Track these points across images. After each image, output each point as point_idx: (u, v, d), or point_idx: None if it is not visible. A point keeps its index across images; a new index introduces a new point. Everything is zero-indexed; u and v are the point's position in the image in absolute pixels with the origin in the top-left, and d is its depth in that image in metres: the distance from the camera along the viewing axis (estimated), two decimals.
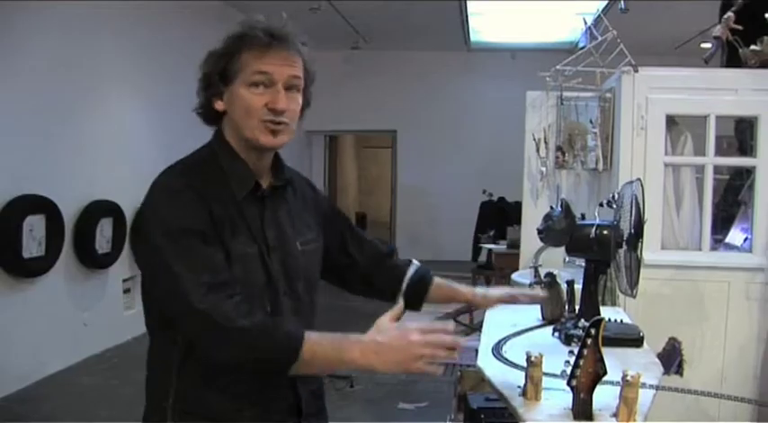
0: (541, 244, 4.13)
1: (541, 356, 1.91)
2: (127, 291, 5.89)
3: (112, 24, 5.63)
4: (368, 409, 4.71)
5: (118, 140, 5.82)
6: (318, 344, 1.44)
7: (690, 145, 3.37)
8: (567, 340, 2.45)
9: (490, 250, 6.74)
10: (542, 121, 3.87)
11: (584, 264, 3.84)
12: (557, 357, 1.89)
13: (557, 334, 2.56)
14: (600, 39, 3.48)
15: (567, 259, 3.93)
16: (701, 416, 3.41)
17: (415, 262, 1.94)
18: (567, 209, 2.39)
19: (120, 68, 5.82)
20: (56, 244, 4.93)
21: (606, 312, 2.74)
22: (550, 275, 2.76)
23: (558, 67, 3.61)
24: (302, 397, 1.64)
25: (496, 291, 2.09)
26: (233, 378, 1.52)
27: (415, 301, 1.91)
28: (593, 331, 1.83)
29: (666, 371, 3.36)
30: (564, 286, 2.75)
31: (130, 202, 5.68)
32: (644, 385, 1.99)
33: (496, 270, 6.53)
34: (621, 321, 2.58)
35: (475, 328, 6.39)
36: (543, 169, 3.65)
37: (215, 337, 1.41)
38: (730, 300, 3.37)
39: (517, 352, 2.34)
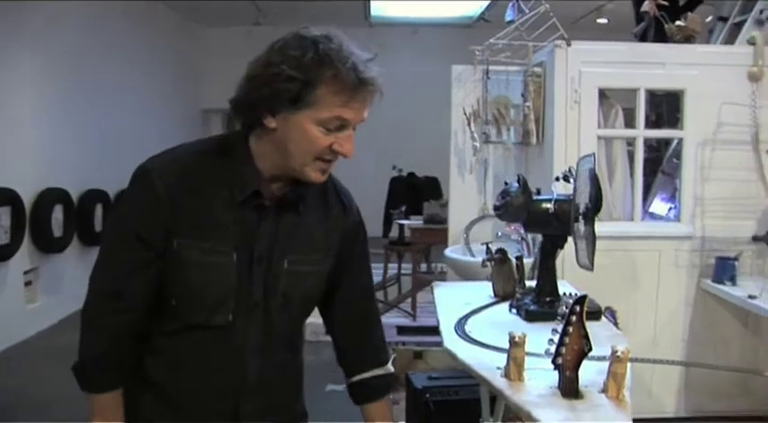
0: (470, 219, 4.18)
1: (524, 336, 1.88)
2: (28, 283, 5.52)
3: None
4: None
5: (16, 128, 5.44)
6: (102, 401, 1.47)
7: (620, 118, 3.43)
8: (528, 317, 2.45)
9: (402, 226, 6.70)
10: (469, 95, 3.85)
11: (516, 237, 3.90)
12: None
13: (514, 311, 2.55)
14: (529, 14, 3.48)
15: (500, 234, 3.99)
16: (636, 380, 3.52)
17: (388, 368, 1.73)
18: (524, 184, 2.37)
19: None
20: None
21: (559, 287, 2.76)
22: (501, 251, 2.75)
23: (491, 40, 3.59)
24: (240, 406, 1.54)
25: None
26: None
27: (357, 397, 1.74)
28: (577, 308, 1.82)
29: None
30: (513, 261, 2.75)
31: (30, 191, 5.40)
32: (645, 360, 2.01)
33: (412, 245, 6.51)
34: (576, 294, 2.59)
35: (391, 305, 6.39)
36: (476, 144, 3.63)
37: (81, 326, 1.49)
38: (661, 267, 3.48)
39: (482, 331, 2.32)
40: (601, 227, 3.37)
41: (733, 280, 3.34)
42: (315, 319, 1.68)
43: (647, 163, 3.63)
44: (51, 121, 5.91)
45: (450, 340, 2.25)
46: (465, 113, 3.66)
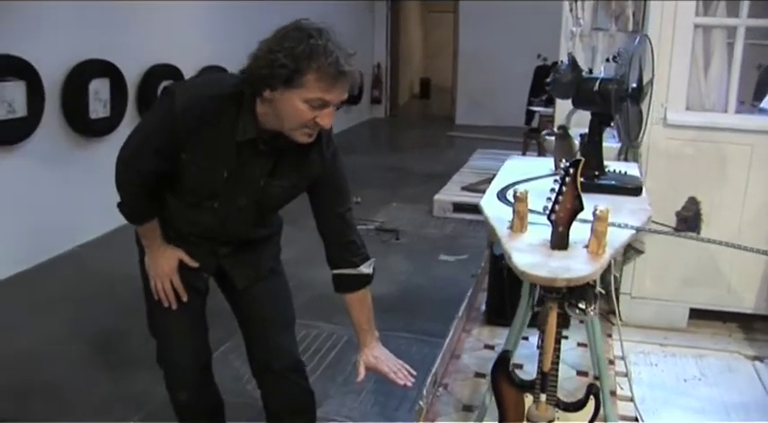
0: None
1: (526, 192, 2.11)
2: None
3: None
4: (410, 259, 5.01)
5: (176, 7, 5.91)
6: (143, 229, 2.09)
7: (723, 7, 3.34)
8: None
9: (539, 114, 6.77)
10: None
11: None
12: None
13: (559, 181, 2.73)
14: None
15: None
16: (713, 273, 3.59)
17: (366, 269, 2.11)
18: (573, 63, 2.51)
19: None
20: (119, 106, 5.18)
21: (616, 165, 2.90)
22: (562, 128, 2.91)
23: None
24: (218, 250, 2.14)
25: (370, 359, 2.12)
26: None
27: (336, 287, 2.15)
28: (571, 170, 2.01)
29: (685, 228, 3.53)
30: (577, 139, 2.90)
31: (191, 66, 5.92)
32: (625, 226, 2.19)
33: None
34: (626, 173, 2.73)
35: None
36: (573, 29, 3.67)
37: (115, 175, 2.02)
38: (752, 163, 3.43)
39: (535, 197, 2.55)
40: (690, 116, 3.44)
41: None
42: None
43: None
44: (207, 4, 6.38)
45: (487, 200, 2.50)
46: None
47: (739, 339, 3.59)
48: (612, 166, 2.84)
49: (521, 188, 2.12)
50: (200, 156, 1.90)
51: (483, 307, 3.83)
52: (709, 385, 3.15)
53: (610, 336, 3.50)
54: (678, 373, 3.25)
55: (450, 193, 6.44)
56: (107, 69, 5.02)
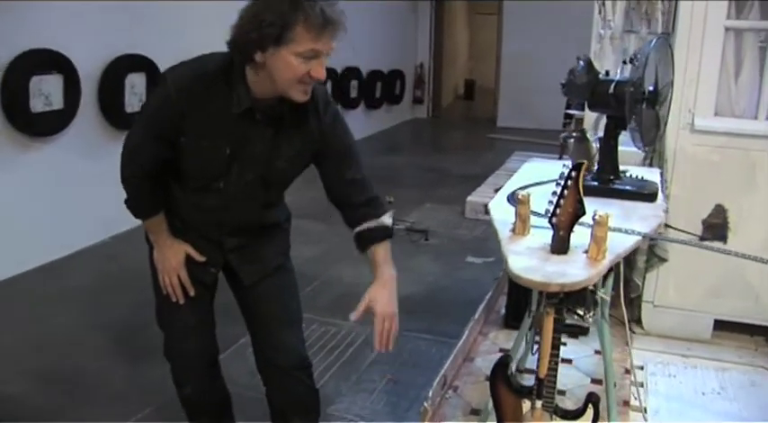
0: None
1: (528, 195, 2.08)
2: None
3: None
4: (438, 260, 5.00)
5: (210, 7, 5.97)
6: (149, 224, 2.12)
7: (756, 10, 3.25)
8: (583, 191, 2.58)
9: (575, 118, 6.67)
10: None
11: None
12: None
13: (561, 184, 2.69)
14: None
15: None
16: (740, 284, 3.49)
17: (384, 221, 2.08)
18: (589, 64, 2.46)
19: None
20: None
21: (636, 170, 2.84)
22: (581, 131, 2.87)
23: None
24: (224, 242, 2.14)
25: (369, 300, 1.99)
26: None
27: (358, 245, 2.10)
28: (573, 174, 1.98)
29: (712, 237, 3.45)
30: (595, 144, 2.85)
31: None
32: (632, 232, 2.15)
33: None
34: (643, 178, 2.67)
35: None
36: (602, 32, 3.62)
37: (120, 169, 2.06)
38: None
39: (534, 199, 2.51)
40: (719, 122, 3.36)
41: None
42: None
43: None
44: None
45: (496, 202, 2.48)
46: (598, 0, 3.64)
47: (766, 354, 3.48)
48: (632, 170, 2.78)
49: (523, 191, 2.09)
50: (200, 136, 1.92)
51: (503, 310, 3.80)
52: (728, 399, 3.06)
53: (628, 344, 3.43)
54: (697, 385, 3.17)
55: (484, 194, 6.39)
56: (143, 64, 5.10)
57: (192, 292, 2.15)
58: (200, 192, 2.04)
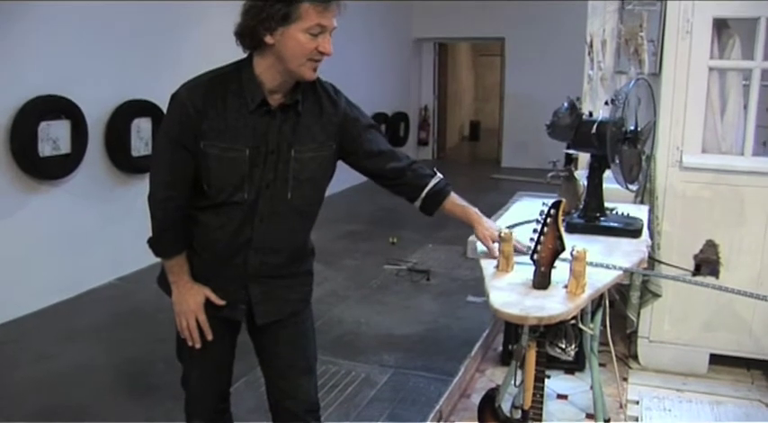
0: None
1: (511, 233, 2.15)
2: None
3: None
4: (438, 299, 5.02)
5: (212, 54, 6.08)
6: (170, 264, 2.08)
7: (738, 49, 3.34)
8: (569, 228, 2.66)
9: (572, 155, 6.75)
10: (604, 25, 3.90)
11: None
12: None
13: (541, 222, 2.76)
14: None
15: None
16: (733, 318, 3.53)
17: (438, 175, 2.22)
18: (572, 106, 2.55)
19: None
20: None
21: (623, 207, 2.91)
22: (568, 170, 2.95)
23: None
24: (250, 289, 2.10)
25: (495, 233, 2.22)
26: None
27: (430, 209, 2.23)
28: (552, 212, 2.05)
29: (703, 272, 3.50)
30: (583, 182, 2.93)
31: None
32: (612, 267, 2.21)
33: None
34: (629, 215, 2.74)
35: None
36: (590, 73, 3.72)
37: (149, 211, 2.06)
38: None
39: (522, 235, 2.58)
40: (707, 159, 3.43)
41: None
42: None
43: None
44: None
45: None
46: (586, 42, 3.75)
47: (762, 387, 3.51)
48: (620, 208, 2.85)
49: (505, 229, 2.16)
50: (218, 137, 1.93)
51: (500, 348, 3.84)
52: None
53: (626, 379, 3.46)
54: (692, 419, 3.19)
55: None
56: (149, 108, 5.24)
57: (209, 337, 2.10)
58: (226, 209, 1.99)
